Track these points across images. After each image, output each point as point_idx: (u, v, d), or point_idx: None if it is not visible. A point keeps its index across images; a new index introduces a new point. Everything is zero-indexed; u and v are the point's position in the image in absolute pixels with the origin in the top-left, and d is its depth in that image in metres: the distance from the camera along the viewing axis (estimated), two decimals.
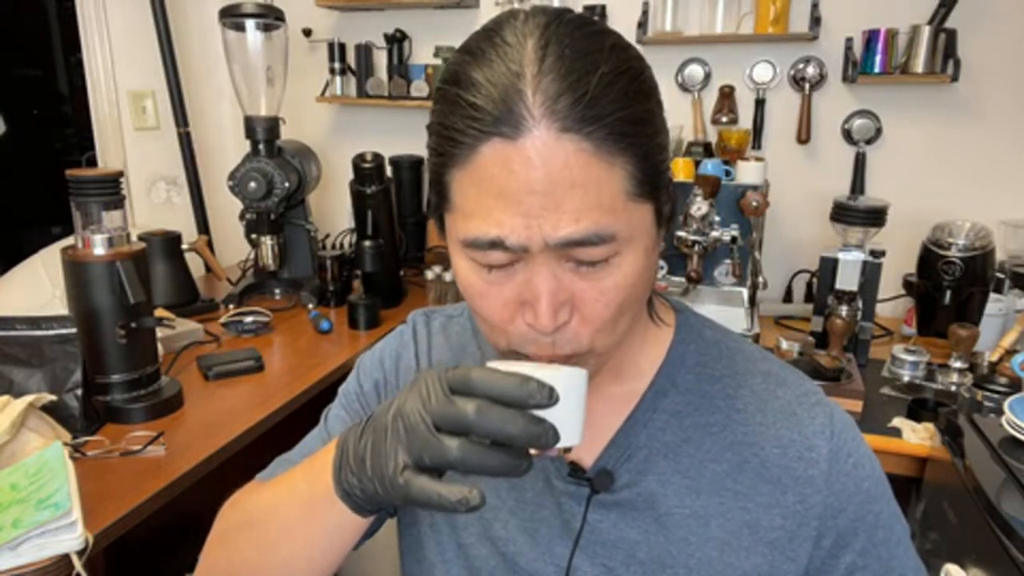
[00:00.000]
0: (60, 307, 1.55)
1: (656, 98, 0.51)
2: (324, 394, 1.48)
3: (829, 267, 1.61)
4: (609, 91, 0.46)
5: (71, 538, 0.88)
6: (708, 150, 1.94)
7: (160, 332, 1.42)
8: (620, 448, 0.61)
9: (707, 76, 2.00)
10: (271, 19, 1.86)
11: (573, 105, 0.45)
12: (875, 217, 1.57)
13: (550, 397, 0.45)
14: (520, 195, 0.46)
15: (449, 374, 0.48)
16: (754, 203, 1.59)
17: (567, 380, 0.47)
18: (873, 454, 0.62)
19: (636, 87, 0.49)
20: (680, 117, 2.01)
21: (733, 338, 0.66)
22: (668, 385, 0.61)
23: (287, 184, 1.84)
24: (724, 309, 1.73)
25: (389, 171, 2.15)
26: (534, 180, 0.46)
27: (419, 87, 2.14)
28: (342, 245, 2.26)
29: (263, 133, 1.86)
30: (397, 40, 2.19)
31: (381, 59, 2.24)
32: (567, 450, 0.48)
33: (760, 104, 1.97)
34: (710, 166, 1.70)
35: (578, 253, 0.48)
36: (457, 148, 0.48)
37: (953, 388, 1.42)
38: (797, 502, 0.58)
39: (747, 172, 1.70)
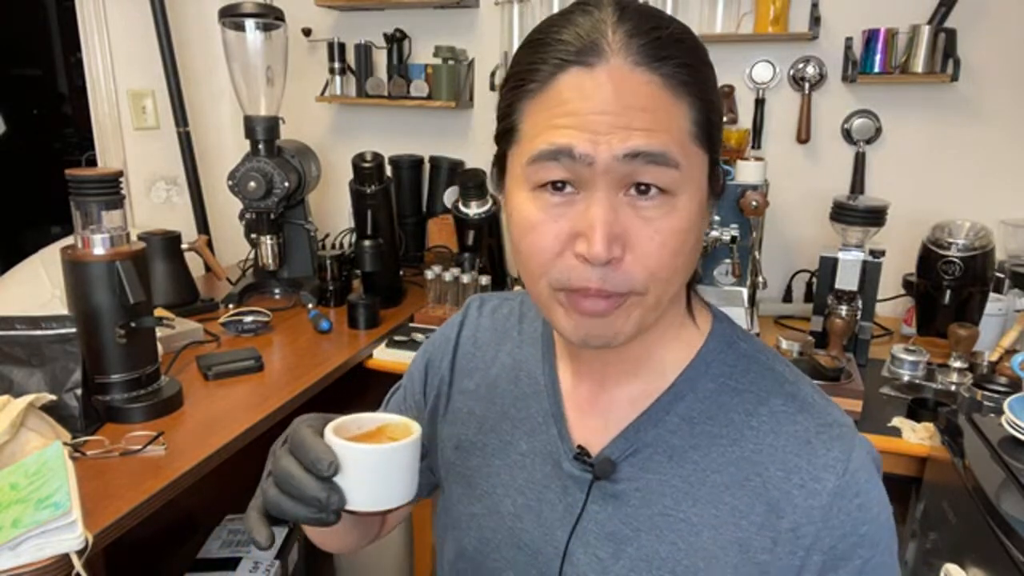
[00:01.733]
0: (60, 307, 1.55)
1: (714, 74, 0.56)
2: (324, 394, 1.48)
3: (829, 267, 1.61)
4: (677, 44, 0.52)
5: (71, 538, 0.88)
6: None
7: (160, 332, 1.42)
8: (628, 441, 0.61)
9: None
10: (271, 19, 1.86)
11: (646, 45, 0.50)
12: (875, 217, 1.57)
13: (328, 468, 0.51)
14: (591, 114, 0.50)
15: (291, 431, 0.56)
16: (754, 203, 1.59)
17: (368, 455, 0.52)
18: (886, 502, 0.59)
19: (699, 50, 0.54)
20: None
21: (768, 355, 0.64)
22: (687, 389, 0.61)
23: (287, 184, 1.84)
24: (724, 309, 1.72)
25: (389, 171, 2.15)
26: (606, 102, 0.49)
27: (419, 87, 2.14)
28: (342, 245, 2.26)
29: (263, 133, 1.85)
30: (397, 40, 2.19)
31: (381, 59, 2.24)
32: (388, 510, 0.54)
33: (760, 104, 1.97)
34: None
35: (643, 173, 0.50)
36: (536, 79, 0.52)
37: (953, 388, 1.42)
38: (790, 529, 0.56)
39: (747, 172, 1.70)
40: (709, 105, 0.53)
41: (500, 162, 0.59)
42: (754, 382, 0.61)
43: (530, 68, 0.52)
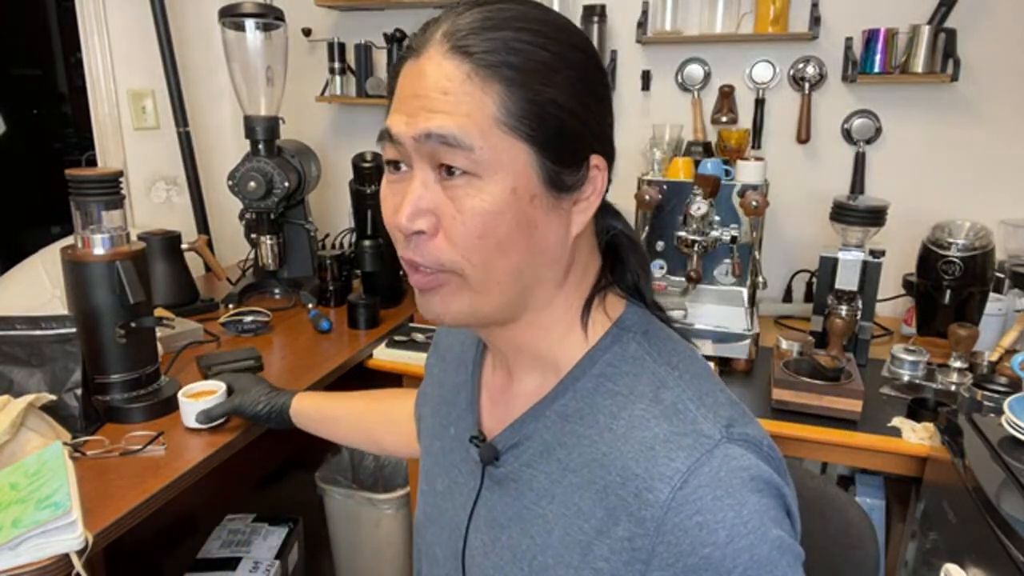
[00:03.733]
0: (60, 307, 1.55)
1: (575, 65, 0.55)
2: None
3: (829, 267, 1.61)
4: (505, 31, 0.53)
5: (71, 538, 0.88)
6: (708, 150, 1.94)
7: (160, 332, 1.43)
8: (514, 432, 0.64)
9: (707, 76, 2.00)
10: (271, 19, 1.86)
11: (467, 34, 0.53)
12: (875, 217, 1.57)
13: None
14: (408, 98, 0.55)
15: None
16: (754, 203, 1.59)
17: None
18: (757, 531, 0.51)
19: (541, 40, 0.54)
20: (680, 117, 2.01)
21: (659, 358, 0.61)
22: (568, 386, 0.62)
23: (287, 184, 1.84)
24: (724, 309, 1.73)
25: None
26: (418, 86, 0.54)
27: None
28: (342, 245, 2.26)
29: (263, 133, 1.86)
30: (397, 40, 2.19)
31: (381, 59, 2.24)
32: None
33: (760, 104, 1.97)
34: (710, 166, 1.70)
35: (442, 154, 0.53)
36: (393, 75, 0.59)
37: (953, 388, 1.42)
38: (626, 538, 0.54)
39: (747, 172, 1.70)
40: (532, 95, 0.53)
41: None
42: (630, 384, 0.59)
43: (395, 65, 0.59)
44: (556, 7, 2.01)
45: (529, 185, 0.55)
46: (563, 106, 0.55)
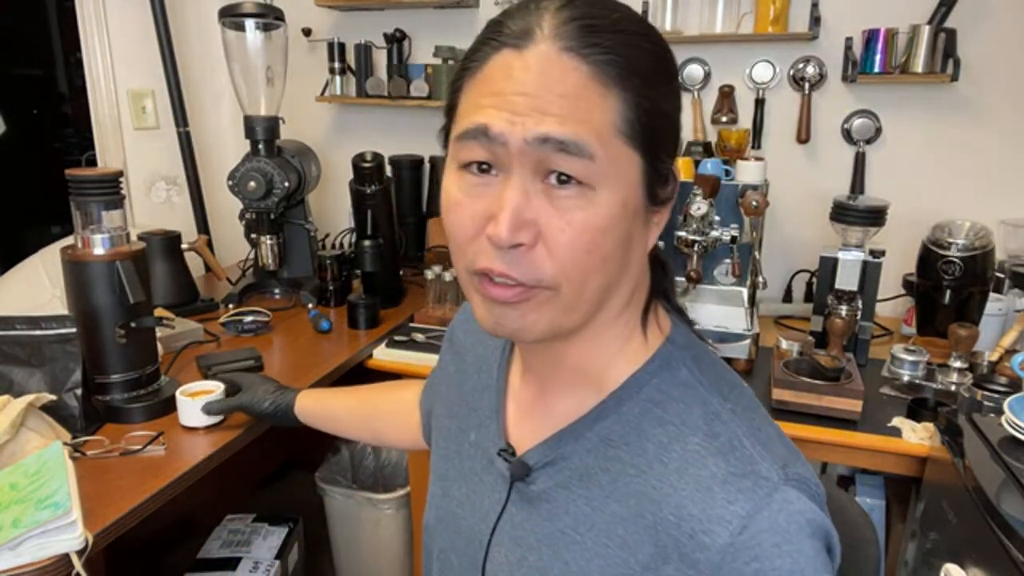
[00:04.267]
0: (60, 307, 1.55)
1: (671, 73, 0.54)
2: None
3: (829, 267, 1.61)
4: (618, 34, 0.50)
5: (71, 538, 0.88)
6: (708, 150, 1.94)
7: (160, 332, 1.42)
8: (549, 449, 0.61)
9: (707, 76, 2.00)
10: (271, 19, 1.86)
11: (580, 30, 0.49)
12: (875, 217, 1.57)
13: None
14: (512, 95, 0.50)
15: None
16: (754, 203, 1.59)
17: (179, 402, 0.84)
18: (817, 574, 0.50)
19: (646, 47, 0.52)
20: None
21: (711, 388, 0.58)
22: (613, 409, 0.58)
23: (287, 184, 1.84)
24: (723, 309, 1.73)
25: (389, 171, 2.15)
26: (527, 83, 0.49)
27: (419, 87, 2.14)
28: (342, 245, 2.26)
29: (263, 133, 1.85)
30: (397, 40, 2.19)
31: (381, 59, 2.24)
32: None
33: (760, 104, 1.97)
34: (710, 166, 1.70)
35: (556, 161, 0.49)
36: (476, 59, 0.53)
37: (953, 388, 1.42)
38: None
39: (747, 172, 1.70)
40: (646, 104, 0.51)
41: (445, 143, 0.59)
42: (681, 414, 0.56)
43: (474, 49, 0.53)
44: None
45: (635, 198, 0.53)
46: (667, 114, 0.53)
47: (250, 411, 1.16)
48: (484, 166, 0.52)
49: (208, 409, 1.19)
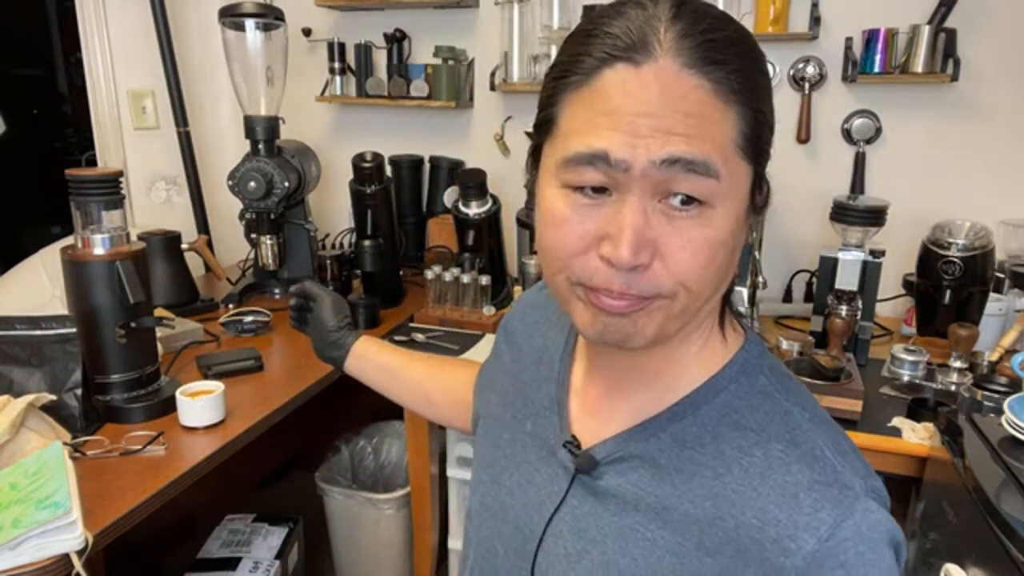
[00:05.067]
0: (60, 307, 1.55)
1: (770, 83, 0.53)
2: (324, 394, 1.48)
3: (829, 267, 1.61)
4: (732, 48, 0.49)
5: (71, 538, 0.88)
6: None
7: (160, 332, 1.42)
8: (617, 446, 0.60)
9: None
10: (271, 19, 1.86)
11: (699, 46, 0.47)
12: (875, 217, 1.57)
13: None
14: (633, 115, 0.47)
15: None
16: None
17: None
18: None
19: (756, 57, 0.51)
20: None
21: (790, 396, 0.58)
22: (689, 411, 0.58)
23: (287, 184, 1.84)
24: None
25: (389, 171, 2.15)
26: (650, 103, 0.47)
27: (419, 87, 2.14)
28: (342, 245, 2.26)
29: (263, 133, 1.86)
30: (397, 40, 2.19)
31: (381, 59, 2.24)
32: None
33: None
34: None
35: (679, 182, 0.48)
36: (579, 71, 0.49)
37: (953, 388, 1.42)
38: None
39: None
40: (760, 116, 0.51)
41: (536, 152, 0.57)
42: (761, 421, 0.56)
43: (575, 59, 0.50)
44: (556, 7, 2.01)
45: (744, 208, 0.52)
46: (770, 125, 0.53)
47: (319, 319, 1.04)
48: (598, 188, 0.50)
49: (296, 289, 1.06)
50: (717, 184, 0.48)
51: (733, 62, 0.48)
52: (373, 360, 1.01)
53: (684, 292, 0.51)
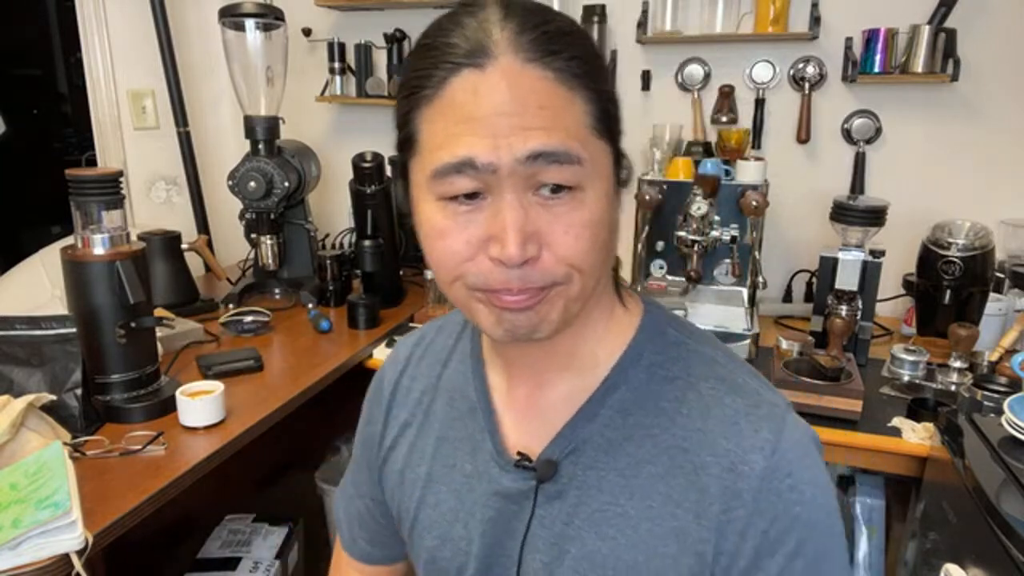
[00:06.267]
0: (60, 307, 1.55)
1: (606, 64, 0.56)
2: (323, 394, 1.48)
3: (829, 267, 1.61)
4: (565, 36, 0.51)
5: (71, 538, 0.88)
6: (708, 150, 1.94)
7: (160, 332, 1.42)
8: (567, 440, 0.61)
9: (707, 76, 2.00)
10: (271, 19, 1.86)
11: (536, 40, 0.50)
12: (875, 217, 1.57)
13: None
14: (489, 117, 0.49)
15: None
16: (754, 203, 1.59)
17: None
18: (826, 485, 0.57)
19: (588, 41, 0.54)
20: (680, 117, 2.01)
21: (699, 340, 0.63)
22: (620, 381, 0.61)
23: (287, 184, 1.84)
24: (723, 309, 1.73)
25: (389, 171, 2.15)
26: (502, 103, 0.49)
27: None
28: (342, 245, 2.26)
29: (263, 133, 1.86)
30: (397, 40, 2.19)
31: (381, 59, 2.24)
32: None
33: (760, 104, 1.97)
34: (710, 166, 1.70)
35: (546, 173, 0.50)
36: (429, 84, 0.51)
37: (953, 388, 1.42)
38: (722, 513, 0.55)
39: (747, 172, 1.70)
40: (605, 95, 0.53)
41: (403, 171, 0.57)
42: (684, 368, 0.60)
43: (422, 74, 0.51)
44: (556, 7, 2.00)
45: (611, 184, 0.55)
46: (615, 100, 0.55)
47: None
48: (470, 194, 0.51)
49: None
50: (581, 168, 0.51)
51: (569, 50, 0.51)
52: None
53: (577, 274, 0.53)
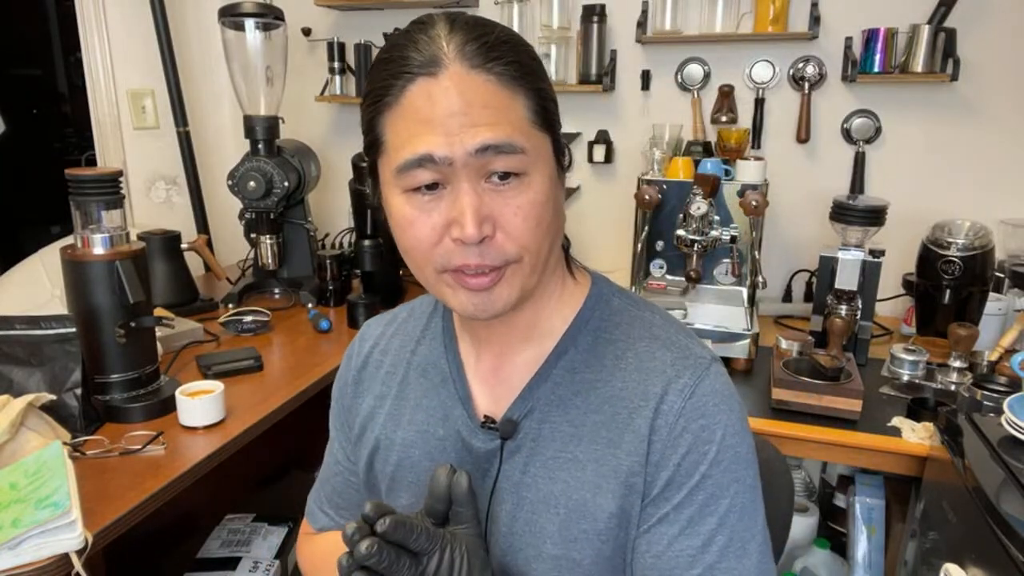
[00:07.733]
0: (59, 306, 1.55)
1: (542, 65, 0.64)
2: (323, 393, 1.48)
3: (828, 266, 1.61)
4: (504, 44, 0.60)
5: (70, 537, 0.88)
6: (707, 149, 1.94)
7: (159, 331, 1.43)
8: (526, 401, 0.69)
9: (706, 75, 2.00)
10: (270, 18, 1.86)
11: (478, 50, 0.58)
12: (874, 216, 1.57)
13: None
14: (442, 118, 0.57)
15: None
16: (753, 202, 1.59)
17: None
18: (742, 431, 0.65)
19: (524, 47, 0.62)
20: (679, 116, 2.01)
21: (641, 307, 0.72)
22: (569, 344, 0.69)
23: (286, 183, 1.84)
24: (723, 308, 1.73)
25: None
26: (453, 105, 0.57)
27: None
28: (341, 244, 2.26)
29: (262, 132, 1.86)
30: None
31: None
32: None
33: (759, 103, 1.97)
34: (709, 165, 1.70)
35: (495, 162, 0.58)
36: (391, 93, 0.59)
37: (952, 387, 1.42)
38: (648, 448, 0.64)
39: (746, 171, 1.70)
40: (542, 93, 0.62)
41: (372, 170, 0.67)
42: (626, 331, 0.69)
43: (384, 84, 0.60)
44: (556, 7, 2.01)
45: (553, 169, 0.64)
46: (551, 96, 0.64)
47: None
48: (431, 185, 0.59)
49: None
50: (525, 157, 0.59)
51: (508, 55, 0.59)
52: None
53: (527, 253, 0.61)
